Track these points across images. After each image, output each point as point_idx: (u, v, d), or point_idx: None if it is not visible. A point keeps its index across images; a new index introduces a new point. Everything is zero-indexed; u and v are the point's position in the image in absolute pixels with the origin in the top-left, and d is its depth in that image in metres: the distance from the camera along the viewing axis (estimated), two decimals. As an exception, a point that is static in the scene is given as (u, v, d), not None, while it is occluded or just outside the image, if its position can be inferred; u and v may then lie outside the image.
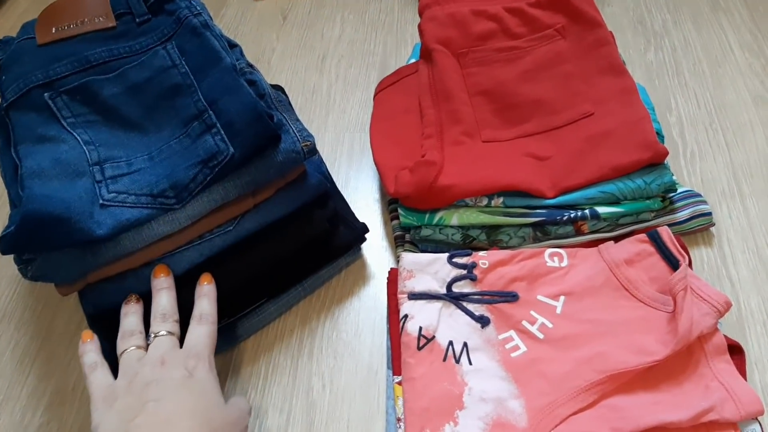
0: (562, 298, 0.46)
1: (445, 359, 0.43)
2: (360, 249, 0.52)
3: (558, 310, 0.45)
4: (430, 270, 0.47)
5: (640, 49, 0.67)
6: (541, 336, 0.44)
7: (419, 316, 0.44)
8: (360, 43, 0.71)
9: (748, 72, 0.64)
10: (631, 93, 0.53)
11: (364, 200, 0.56)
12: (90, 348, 0.40)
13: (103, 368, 0.39)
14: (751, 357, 0.45)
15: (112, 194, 0.40)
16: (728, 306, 0.42)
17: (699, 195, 0.52)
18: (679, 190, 0.52)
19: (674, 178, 0.50)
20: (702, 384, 0.40)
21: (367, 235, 0.51)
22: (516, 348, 0.43)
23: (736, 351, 0.42)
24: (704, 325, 0.41)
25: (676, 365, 0.41)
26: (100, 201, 0.40)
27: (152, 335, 0.39)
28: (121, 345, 0.39)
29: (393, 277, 0.48)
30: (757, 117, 0.60)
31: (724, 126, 0.60)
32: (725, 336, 0.42)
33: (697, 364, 0.41)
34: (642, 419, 0.39)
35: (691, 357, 0.41)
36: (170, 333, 0.39)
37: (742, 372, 0.41)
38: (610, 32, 0.58)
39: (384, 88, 0.60)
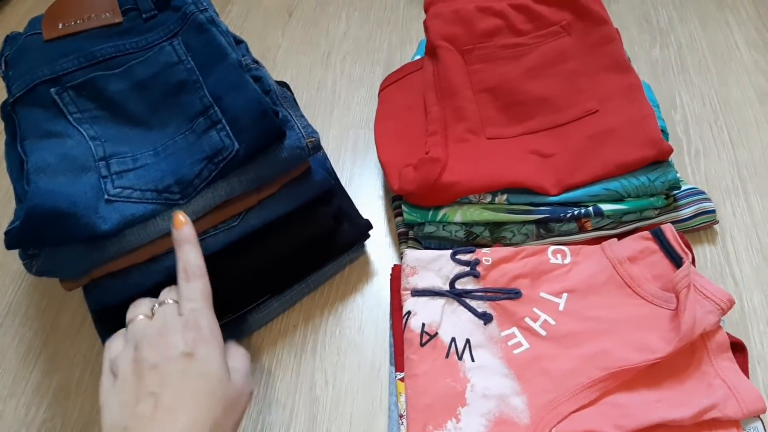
0: (565, 295, 0.46)
1: (447, 356, 0.43)
2: (364, 246, 0.52)
3: (561, 308, 0.45)
4: (434, 267, 0.47)
5: (645, 47, 0.67)
6: (543, 333, 0.44)
7: (422, 312, 0.45)
8: (365, 40, 0.71)
9: (753, 69, 0.64)
10: (636, 90, 0.52)
11: (368, 197, 0.56)
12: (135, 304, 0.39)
13: (122, 336, 0.37)
14: (754, 355, 0.45)
15: (118, 189, 0.40)
16: (731, 304, 0.42)
17: (703, 193, 0.52)
18: (683, 188, 0.52)
19: (678, 175, 0.50)
20: (704, 382, 0.40)
21: (370, 232, 0.51)
22: (518, 345, 0.43)
23: (738, 349, 0.42)
24: (707, 323, 0.41)
25: (678, 363, 0.41)
26: (106, 196, 0.40)
27: (156, 304, 0.37)
28: (129, 313, 0.38)
29: (396, 274, 0.48)
30: (762, 114, 0.60)
31: (728, 123, 0.60)
32: (728, 334, 0.42)
33: (699, 362, 0.41)
34: (644, 417, 0.39)
35: (694, 355, 0.41)
36: (176, 301, 0.37)
37: (745, 370, 0.41)
38: (616, 29, 0.58)
39: (389, 84, 0.60)
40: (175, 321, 0.36)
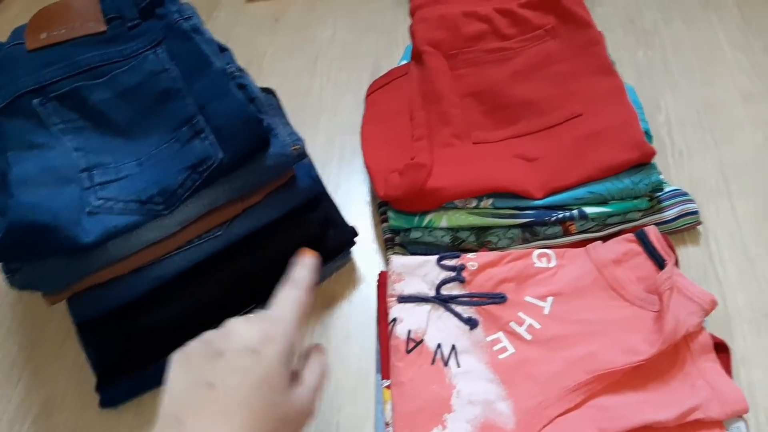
0: (550, 298, 0.46)
1: (433, 362, 0.43)
2: (350, 252, 0.52)
3: (546, 311, 0.45)
4: (419, 272, 0.47)
5: (630, 48, 0.67)
6: (529, 337, 0.44)
7: (408, 319, 0.45)
8: (352, 45, 0.72)
9: (737, 69, 0.64)
10: (619, 93, 0.53)
11: (354, 203, 0.57)
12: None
13: None
14: (737, 355, 0.45)
15: (101, 201, 0.40)
16: (714, 305, 0.43)
17: (686, 194, 0.52)
18: (666, 190, 0.52)
19: (662, 177, 0.50)
20: (688, 383, 0.41)
21: (357, 239, 0.51)
22: (504, 350, 0.44)
23: (722, 349, 0.42)
24: (690, 324, 0.42)
25: (662, 364, 0.41)
26: (88, 208, 0.40)
27: None
28: None
29: (383, 281, 0.48)
30: (746, 114, 0.60)
31: (713, 124, 0.60)
32: (711, 334, 0.43)
33: (683, 363, 0.41)
34: (629, 419, 0.39)
35: (677, 356, 0.42)
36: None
37: (728, 370, 0.42)
38: (600, 32, 0.58)
39: (375, 90, 0.61)
40: (256, 314, 0.35)
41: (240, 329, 0.34)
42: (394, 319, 0.45)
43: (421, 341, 0.44)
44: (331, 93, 0.66)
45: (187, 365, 0.33)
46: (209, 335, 0.34)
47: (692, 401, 0.39)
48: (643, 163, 0.50)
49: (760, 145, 0.58)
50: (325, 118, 0.64)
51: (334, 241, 0.49)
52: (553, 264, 0.47)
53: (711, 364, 0.41)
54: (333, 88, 0.67)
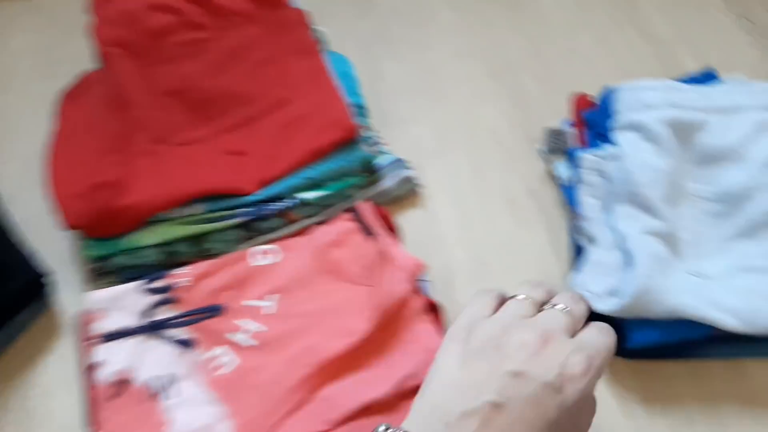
0: (276, 296, 0.44)
1: (145, 400, 0.39)
2: (45, 297, 0.45)
3: (273, 310, 0.44)
4: (123, 304, 0.42)
5: (350, 20, 0.67)
6: (256, 343, 0.42)
7: (114, 358, 0.40)
8: (50, 51, 0.63)
9: (453, 29, 0.67)
10: (319, 73, 0.52)
11: (56, 236, 0.49)
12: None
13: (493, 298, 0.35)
14: (459, 308, 0.47)
15: None
16: (420, 269, 0.44)
17: (404, 161, 0.53)
18: (385, 160, 0.52)
19: (370, 151, 0.51)
20: (404, 351, 0.41)
21: (62, 276, 0.45)
22: (224, 365, 0.41)
23: (436, 309, 0.44)
24: (400, 292, 0.42)
25: (381, 338, 0.42)
26: None
27: (550, 304, 0.34)
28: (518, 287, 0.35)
29: (84, 322, 0.43)
30: (458, 72, 0.63)
31: (430, 87, 0.62)
32: (425, 296, 0.44)
33: (399, 332, 0.42)
34: (348, 404, 0.39)
35: (394, 326, 0.42)
36: (568, 312, 0.33)
37: (442, 329, 0.43)
38: (300, 11, 0.56)
39: (67, 100, 0.53)
40: (564, 337, 0.31)
41: (544, 353, 0.30)
42: (98, 363, 0.40)
43: (130, 380, 0.39)
44: (26, 111, 0.58)
45: (467, 366, 0.30)
46: (504, 342, 0.31)
47: (406, 369, 0.40)
48: (352, 139, 0.49)
49: (468, 101, 0.61)
50: (18, 140, 0.55)
51: (13, 291, 0.42)
52: (275, 259, 0.46)
53: (425, 326, 0.43)
54: (27, 105, 0.58)
